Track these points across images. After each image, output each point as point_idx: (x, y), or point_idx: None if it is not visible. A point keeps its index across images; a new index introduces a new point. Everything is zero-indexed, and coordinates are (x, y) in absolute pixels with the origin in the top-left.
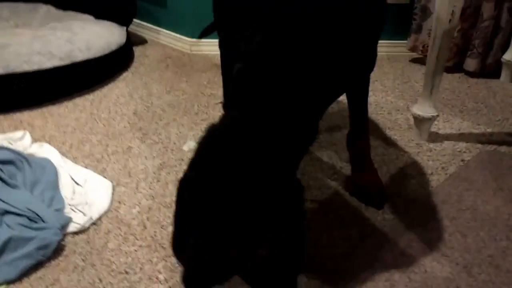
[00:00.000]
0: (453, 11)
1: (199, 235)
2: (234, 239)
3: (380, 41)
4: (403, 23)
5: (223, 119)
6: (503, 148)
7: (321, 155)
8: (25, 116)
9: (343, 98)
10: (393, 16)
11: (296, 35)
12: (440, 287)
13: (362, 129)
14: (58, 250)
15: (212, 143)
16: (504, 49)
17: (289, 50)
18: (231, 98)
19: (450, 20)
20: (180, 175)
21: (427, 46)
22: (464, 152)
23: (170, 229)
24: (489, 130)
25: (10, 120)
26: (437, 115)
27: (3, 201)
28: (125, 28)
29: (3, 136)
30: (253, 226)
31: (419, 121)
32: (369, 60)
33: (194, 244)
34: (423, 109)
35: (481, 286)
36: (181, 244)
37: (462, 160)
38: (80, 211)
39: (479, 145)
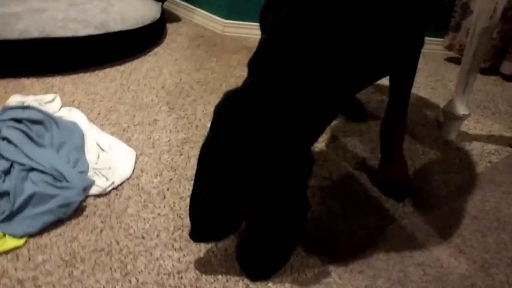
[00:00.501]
0: (495, 7)
1: (211, 189)
2: (241, 196)
3: None
4: (441, 20)
5: (243, 84)
6: None
7: (346, 144)
8: (57, 81)
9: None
10: (431, 13)
11: (324, 8)
12: (455, 283)
13: (399, 118)
14: (79, 210)
15: (232, 106)
16: None
17: (314, 22)
18: (253, 64)
19: (491, 17)
20: None
21: (465, 46)
22: (493, 154)
23: (188, 200)
24: None
25: (42, 84)
26: (469, 114)
27: (30, 158)
28: (160, 4)
29: (34, 97)
30: (260, 186)
31: (449, 119)
32: (410, 39)
33: (204, 198)
34: (454, 107)
35: (497, 286)
36: (195, 200)
37: (490, 162)
38: (103, 175)
39: (509, 149)
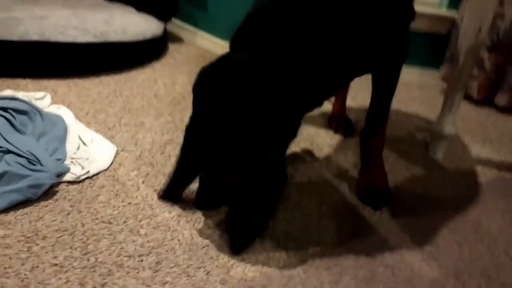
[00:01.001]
0: (480, 27)
1: (207, 164)
2: (225, 167)
3: (413, 69)
4: (437, 53)
5: (222, 59)
6: None
7: (330, 155)
8: (51, 83)
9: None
10: (428, 45)
11: None
12: (424, 286)
13: (379, 127)
14: (49, 194)
15: (206, 80)
16: None
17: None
18: (235, 39)
19: (476, 36)
20: None
21: None
22: (478, 174)
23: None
24: (509, 158)
25: (36, 85)
26: (455, 134)
27: (8, 142)
28: (163, 23)
29: (25, 93)
30: (242, 155)
31: (435, 137)
32: (390, 36)
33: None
34: (441, 126)
35: None
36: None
37: (475, 181)
38: (80, 164)
39: (496, 171)
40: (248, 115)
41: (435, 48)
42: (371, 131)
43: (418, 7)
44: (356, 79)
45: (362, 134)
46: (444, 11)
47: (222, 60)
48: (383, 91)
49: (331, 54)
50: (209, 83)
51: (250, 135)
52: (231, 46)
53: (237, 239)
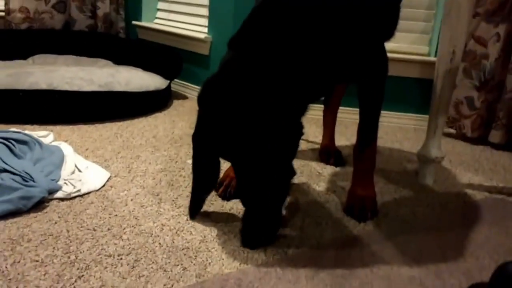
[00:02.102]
0: (453, 50)
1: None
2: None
3: (408, 115)
4: (428, 97)
5: (219, 66)
6: None
7: (319, 181)
8: (57, 128)
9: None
10: (421, 91)
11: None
12: (403, 283)
13: (368, 144)
14: (40, 207)
15: (211, 89)
16: None
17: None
18: (232, 43)
19: (451, 60)
20: (177, 178)
21: (452, 118)
22: (469, 196)
23: (150, 209)
24: (501, 185)
25: (43, 129)
26: (442, 157)
27: (5, 162)
28: (168, 81)
29: (29, 132)
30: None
31: (423, 162)
32: (372, 55)
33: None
34: (427, 150)
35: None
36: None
37: (464, 202)
38: (72, 184)
39: (487, 193)
40: (250, 118)
41: (427, 93)
42: (361, 148)
43: (409, 56)
44: (349, 122)
45: (354, 151)
46: (433, 59)
47: (222, 71)
48: (369, 108)
49: (317, 59)
50: (212, 91)
51: (256, 136)
52: (229, 47)
53: (254, 236)
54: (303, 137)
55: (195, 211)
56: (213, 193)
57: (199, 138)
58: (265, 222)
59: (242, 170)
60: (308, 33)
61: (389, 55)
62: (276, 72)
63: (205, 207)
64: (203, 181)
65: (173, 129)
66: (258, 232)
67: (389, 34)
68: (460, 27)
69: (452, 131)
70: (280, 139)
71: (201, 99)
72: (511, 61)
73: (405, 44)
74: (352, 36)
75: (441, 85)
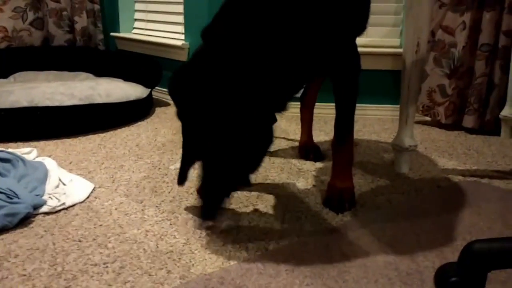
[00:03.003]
0: (418, 42)
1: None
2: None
3: (384, 106)
4: None
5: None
6: (485, 180)
7: (298, 176)
8: (41, 144)
9: None
10: (395, 81)
11: None
12: (378, 268)
13: (344, 137)
14: (25, 223)
15: (179, 77)
16: (501, 106)
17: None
18: (205, 33)
19: (416, 51)
20: (161, 184)
21: (426, 106)
22: (442, 180)
23: (134, 216)
24: (474, 167)
25: (26, 146)
26: (415, 145)
27: None
28: (149, 89)
29: (12, 150)
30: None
31: (398, 151)
32: (344, 49)
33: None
34: (400, 140)
35: (422, 271)
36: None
37: (438, 186)
38: (56, 198)
39: (460, 177)
40: (216, 106)
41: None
42: (338, 141)
43: (382, 50)
44: (328, 117)
45: (332, 145)
46: None
47: (191, 61)
48: (344, 102)
49: (289, 50)
50: (181, 82)
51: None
52: (202, 37)
53: (209, 202)
54: (282, 134)
55: (183, 179)
56: (195, 196)
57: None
58: (223, 187)
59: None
60: (280, 23)
61: (362, 49)
62: (244, 62)
63: (187, 210)
64: (187, 154)
65: (156, 137)
66: (216, 200)
67: (361, 26)
68: (423, 19)
69: (428, 118)
70: (248, 130)
71: (170, 89)
72: (478, 48)
73: (377, 38)
74: (324, 28)
75: (408, 76)
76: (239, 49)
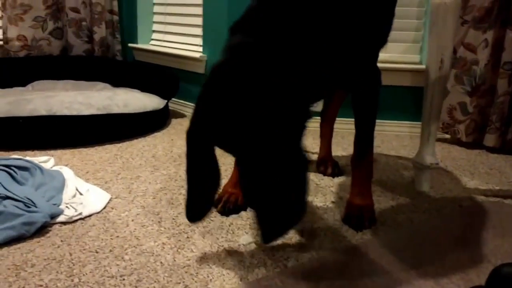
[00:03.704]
0: (442, 59)
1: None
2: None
3: (403, 122)
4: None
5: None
6: (508, 201)
7: (316, 192)
8: (58, 152)
9: None
10: (415, 98)
11: None
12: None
13: (364, 152)
14: (42, 232)
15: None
16: None
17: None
18: (237, 27)
19: (440, 68)
20: (177, 196)
21: (447, 124)
22: (464, 200)
23: (151, 228)
24: (497, 187)
25: (44, 154)
26: (437, 163)
27: (7, 189)
28: (165, 101)
29: (30, 158)
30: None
31: (419, 169)
32: (366, 62)
33: None
34: (422, 157)
35: None
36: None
37: (460, 206)
38: (73, 208)
39: (483, 197)
40: (262, 102)
41: (421, 100)
42: (358, 158)
43: (401, 66)
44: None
45: (352, 161)
46: (424, 67)
47: (230, 57)
48: (364, 118)
49: (321, 51)
50: (223, 76)
51: (265, 120)
52: (232, 32)
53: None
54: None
55: (196, 214)
56: (213, 209)
57: (197, 129)
58: (283, 208)
59: (249, 159)
60: (311, 26)
61: (382, 65)
62: (285, 58)
63: (205, 223)
64: (203, 178)
65: (172, 148)
66: (278, 224)
67: (384, 39)
68: (447, 36)
69: (447, 136)
70: (288, 122)
71: (210, 84)
72: (500, 66)
73: (397, 54)
74: (351, 36)
75: (431, 93)
76: (277, 47)
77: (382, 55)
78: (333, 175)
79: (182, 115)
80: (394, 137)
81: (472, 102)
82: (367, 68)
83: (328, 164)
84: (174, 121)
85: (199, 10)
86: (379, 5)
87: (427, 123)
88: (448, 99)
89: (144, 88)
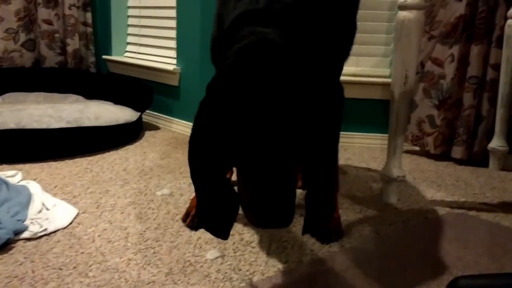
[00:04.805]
0: (406, 74)
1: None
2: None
3: (374, 134)
4: None
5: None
6: (472, 213)
7: None
8: (26, 166)
9: None
10: (385, 111)
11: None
12: None
13: (329, 168)
14: (6, 249)
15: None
16: (489, 138)
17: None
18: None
19: (404, 83)
20: (146, 211)
21: (416, 136)
22: (430, 212)
23: (117, 244)
24: (462, 199)
25: (12, 168)
26: (404, 176)
27: None
28: (139, 113)
29: None
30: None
31: (386, 182)
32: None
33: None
34: (388, 170)
35: None
36: None
37: (426, 218)
38: (39, 223)
39: (448, 209)
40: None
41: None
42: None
43: (371, 79)
44: None
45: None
46: None
47: (237, 59)
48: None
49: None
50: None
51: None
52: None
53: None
54: None
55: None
56: (180, 223)
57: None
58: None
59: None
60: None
61: (352, 78)
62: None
63: (172, 238)
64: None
65: (144, 161)
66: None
67: (347, 53)
68: (411, 52)
69: (417, 148)
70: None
71: (217, 87)
72: (466, 80)
73: (367, 68)
74: (320, 52)
75: (397, 108)
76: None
77: (353, 69)
78: (304, 187)
79: (155, 127)
80: (365, 149)
81: (440, 115)
82: (332, 83)
83: (298, 177)
84: (147, 134)
85: (173, 23)
86: (338, 21)
87: (393, 136)
88: (416, 112)
89: (117, 101)
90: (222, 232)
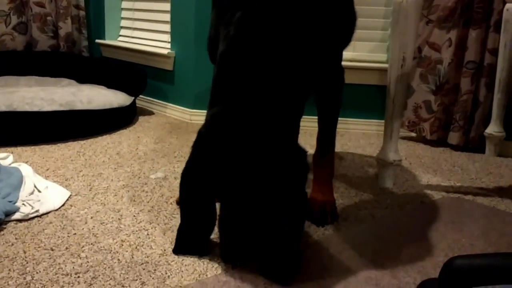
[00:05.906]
0: (403, 57)
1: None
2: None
3: (370, 120)
4: None
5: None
6: (468, 197)
7: None
8: (18, 149)
9: None
10: (382, 96)
11: (273, 12)
12: (359, 283)
13: (326, 151)
14: None
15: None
16: (486, 123)
17: (267, 25)
18: (212, 102)
19: (402, 66)
20: (139, 194)
21: (412, 122)
22: (426, 196)
23: (110, 226)
24: (458, 184)
25: (3, 151)
26: (400, 160)
27: None
28: (132, 97)
29: None
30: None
31: (382, 166)
32: (331, 63)
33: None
34: (385, 154)
35: (402, 286)
36: None
37: (422, 202)
38: (30, 205)
39: (444, 193)
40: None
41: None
42: (320, 155)
43: (368, 64)
44: (314, 130)
45: (314, 158)
46: None
47: (228, 104)
48: (327, 116)
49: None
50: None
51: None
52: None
53: (286, 270)
54: None
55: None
56: (175, 206)
57: (196, 176)
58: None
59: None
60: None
61: (349, 64)
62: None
63: (166, 220)
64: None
65: (138, 145)
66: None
67: (347, 39)
68: (409, 34)
69: (413, 134)
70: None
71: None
72: (464, 65)
73: (364, 53)
74: (313, 40)
75: (394, 91)
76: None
77: (350, 54)
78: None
79: (149, 113)
80: (362, 135)
81: (437, 100)
82: (331, 68)
83: None
84: (141, 119)
85: (167, 6)
86: (337, 9)
87: (390, 120)
88: (413, 98)
89: (111, 85)
90: (198, 250)
